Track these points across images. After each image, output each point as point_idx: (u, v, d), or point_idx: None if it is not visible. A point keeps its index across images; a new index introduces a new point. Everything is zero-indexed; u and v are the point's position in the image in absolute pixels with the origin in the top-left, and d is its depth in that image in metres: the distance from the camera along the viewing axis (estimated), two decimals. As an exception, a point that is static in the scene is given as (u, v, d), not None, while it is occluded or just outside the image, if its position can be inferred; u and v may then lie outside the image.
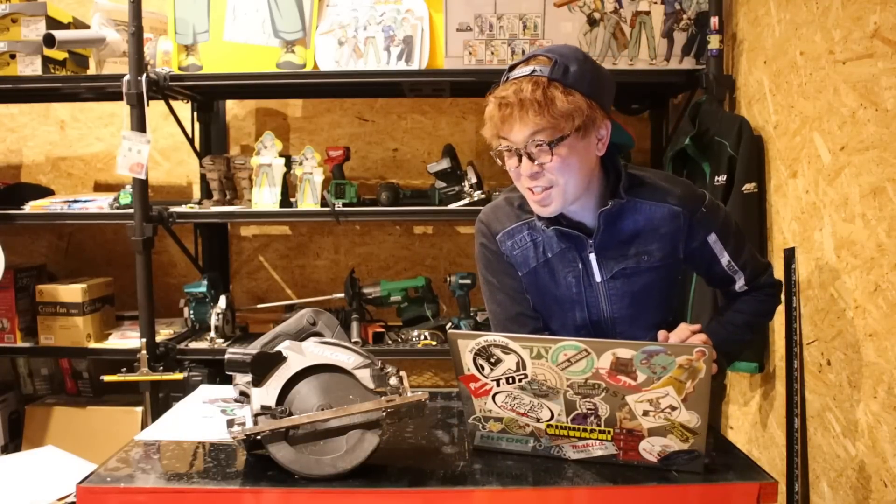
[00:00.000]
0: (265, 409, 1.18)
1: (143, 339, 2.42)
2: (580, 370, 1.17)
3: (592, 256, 1.40)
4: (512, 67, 1.32)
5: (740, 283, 1.46)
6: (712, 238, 1.41)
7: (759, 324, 1.51)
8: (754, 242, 2.04)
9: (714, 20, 2.28)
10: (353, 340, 2.02)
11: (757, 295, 1.48)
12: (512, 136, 1.28)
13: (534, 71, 1.26)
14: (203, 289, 2.61)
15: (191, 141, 2.78)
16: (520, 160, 1.30)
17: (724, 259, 1.43)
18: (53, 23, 2.54)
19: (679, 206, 1.39)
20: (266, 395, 1.19)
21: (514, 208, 1.46)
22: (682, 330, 1.30)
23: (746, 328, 1.47)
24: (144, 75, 2.37)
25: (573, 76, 1.26)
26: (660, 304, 1.46)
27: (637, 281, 1.41)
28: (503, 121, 1.27)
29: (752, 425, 2.19)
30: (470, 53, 2.43)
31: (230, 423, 1.18)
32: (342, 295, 2.68)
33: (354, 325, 2.58)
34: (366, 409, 1.19)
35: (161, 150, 3.02)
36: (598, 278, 1.42)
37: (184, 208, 2.57)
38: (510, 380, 1.22)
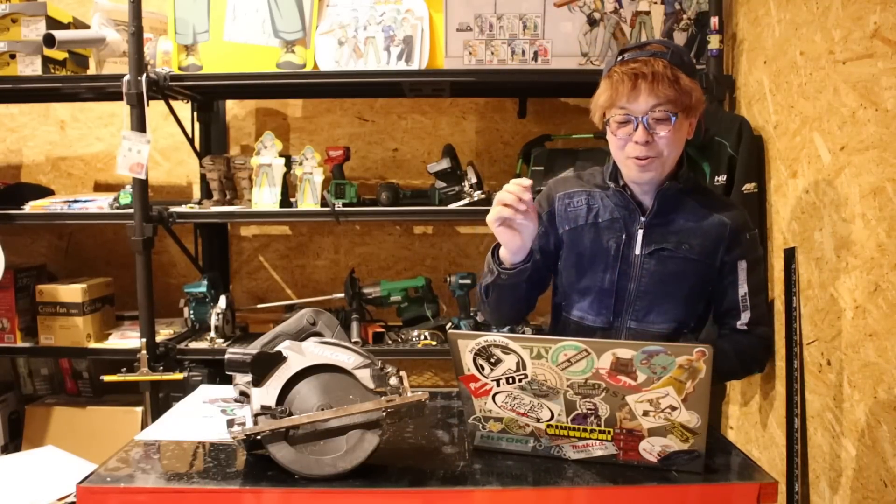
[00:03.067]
0: (265, 409, 1.18)
1: (143, 339, 2.42)
2: (580, 370, 1.17)
3: (640, 232, 1.49)
4: (624, 51, 1.45)
5: (744, 320, 1.51)
6: (742, 265, 1.49)
7: (746, 361, 1.52)
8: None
9: (714, 20, 2.28)
10: (353, 340, 2.02)
11: (752, 340, 1.52)
12: (636, 104, 1.39)
13: (655, 53, 1.40)
14: (203, 289, 2.61)
15: (191, 141, 2.78)
16: (635, 129, 1.40)
17: (742, 290, 1.50)
18: (53, 23, 2.54)
19: (729, 220, 1.50)
20: (266, 395, 1.19)
21: (580, 180, 1.60)
22: None
23: (736, 356, 1.48)
24: (144, 75, 2.37)
25: (688, 64, 1.43)
26: (682, 299, 1.50)
27: (671, 264, 1.48)
28: (633, 88, 1.38)
29: (752, 425, 2.19)
30: (470, 53, 2.43)
31: (230, 423, 1.18)
32: (342, 295, 2.68)
33: (354, 325, 2.58)
34: (366, 409, 1.19)
35: (161, 150, 3.02)
36: (637, 251, 1.49)
37: (184, 208, 2.57)
38: (510, 380, 1.22)
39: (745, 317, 1.50)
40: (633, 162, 1.43)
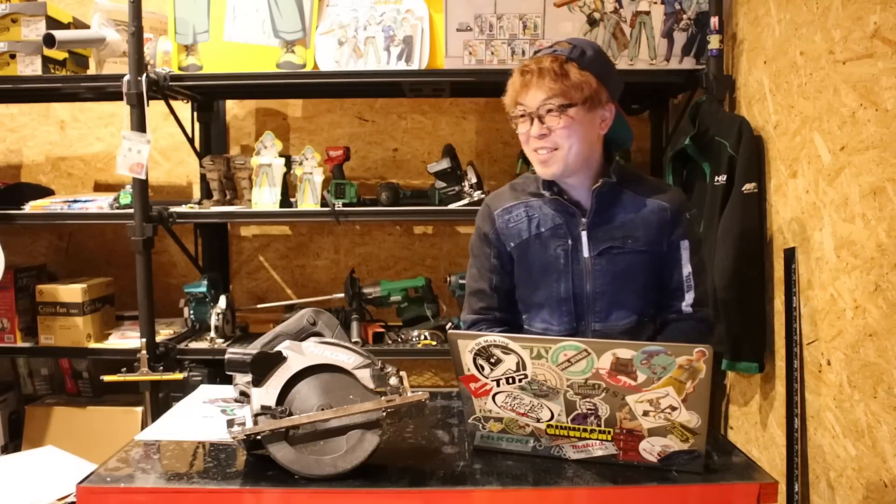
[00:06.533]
0: (265, 409, 1.18)
1: (143, 339, 2.42)
2: (580, 370, 1.17)
3: (584, 234, 1.52)
4: (538, 51, 1.52)
5: (688, 300, 1.53)
6: (685, 244, 1.53)
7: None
8: (754, 242, 2.04)
9: (714, 20, 2.28)
10: (353, 340, 2.02)
11: (695, 325, 1.54)
12: (528, 100, 1.45)
13: (555, 51, 1.47)
14: (203, 289, 2.61)
15: (191, 141, 2.78)
16: (531, 123, 1.45)
17: (686, 270, 1.53)
18: (53, 23, 2.54)
19: (667, 202, 1.53)
20: (266, 395, 1.19)
21: (514, 191, 1.62)
22: None
23: None
24: (144, 75, 2.37)
25: (587, 59, 1.46)
26: (639, 291, 1.52)
27: (621, 261, 1.51)
28: (523, 86, 1.45)
29: (752, 425, 2.19)
30: (470, 53, 2.43)
31: (230, 423, 1.18)
32: (342, 295, 2.68)
33: (354, 325, 2.58)
34: (366, 409, 1.19)
35: (161, 150, 3.02)
36: (585, 254, 1.52)
37: (184, 208, 2.57)
38: (510, 380, 1.22)
39: (689, 297, 1.53)
40: (535, 156, 1.49)
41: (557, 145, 1.45)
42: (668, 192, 1.56)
